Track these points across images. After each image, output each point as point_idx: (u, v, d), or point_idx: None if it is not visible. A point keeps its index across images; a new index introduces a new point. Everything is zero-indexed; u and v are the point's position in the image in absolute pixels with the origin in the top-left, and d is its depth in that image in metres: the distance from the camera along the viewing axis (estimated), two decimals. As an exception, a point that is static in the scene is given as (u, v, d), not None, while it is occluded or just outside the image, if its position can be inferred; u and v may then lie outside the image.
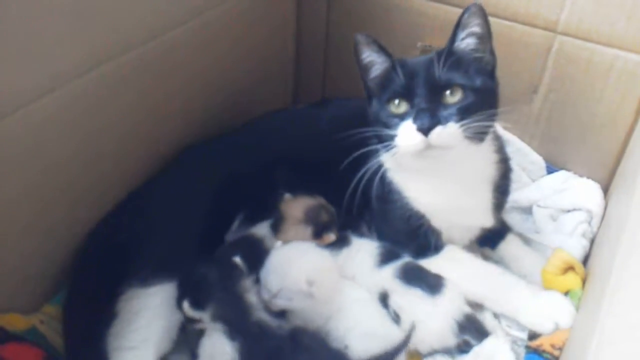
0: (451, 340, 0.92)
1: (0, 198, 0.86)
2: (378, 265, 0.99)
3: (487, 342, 0.92)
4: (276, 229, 1.02)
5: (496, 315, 0.99)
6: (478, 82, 0.90)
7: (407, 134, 0.88)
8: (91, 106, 0.94)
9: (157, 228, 0.98)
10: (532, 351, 0.89)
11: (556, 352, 0.87)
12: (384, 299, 0.96)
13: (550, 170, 1.26)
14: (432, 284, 0.94)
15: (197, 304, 0.88)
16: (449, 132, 0.86)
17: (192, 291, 0.89)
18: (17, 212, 0.89)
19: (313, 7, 1.38)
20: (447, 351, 0.93)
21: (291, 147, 1.10)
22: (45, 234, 0.95)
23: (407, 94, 0.90)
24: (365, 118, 1.09)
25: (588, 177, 1.22)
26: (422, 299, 0.93)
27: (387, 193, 1.01)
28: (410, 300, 0.93)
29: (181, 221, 0.99)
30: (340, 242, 1.02)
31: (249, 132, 1.16)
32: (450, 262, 1.00)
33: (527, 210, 1.22)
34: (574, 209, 1.16)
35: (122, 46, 0.96)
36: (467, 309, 0.94)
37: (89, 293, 0.95)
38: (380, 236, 1.05)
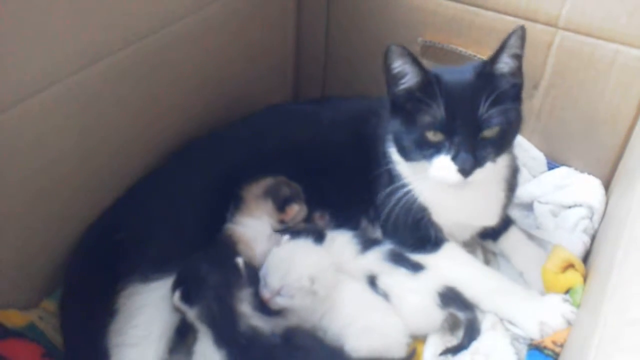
0: (437, 314, 0.95)
1: (0, 193, 0.86)
2: (361, 252, 1.00)
3: (486, 338, 0.92)
4: (236, 209, 1.02)
5: (497, 312, 0.98)
6: (513, 115, 0.90)
7: (444, 169, 0.88)
8: (90, 101, 0.93)
9: (156, 223, 0.98)
10: (534, 348, 0.89)
11: (557, 349, 0.87)
12: (372, 281, 0.98)
13: (551, 166, 1.25)
14: (414, 263, 0.99)
15: (187, 299, 0.87)
16: (486, 170, 0.88)
17: (185, 285, 0.88)
18: (15, 207, 0.89)
19: (313, 2, 1.37)
20: (440, 330, 0.96)
21: (291, 143, 1.10)
22: (44, 230, 0.95)
23: (445, 128, 0.88)
24: (365, 116, 1.09)
25: (589, 173, 1.21)
26: (407, 276, 0.97)
27: (395, 181, 1.01)
28: (397, 279, 0.97)
29: (181, 216, 0.99)
30: (318, 236, 1.02)
31: (248, 127, 1.16)
32: (448, 262, 1.00)
33: (528, 207, 1.22)
34: (575, 205, 1.15)
35: (122, 41, 0.95)
36: (449, 283, 0.97)
37: (87, 289, 0.95)
38: (384, 231, 1.05)
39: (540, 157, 1.25)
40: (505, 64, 0.90)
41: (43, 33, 0.83)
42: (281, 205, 1.02)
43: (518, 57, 0.90)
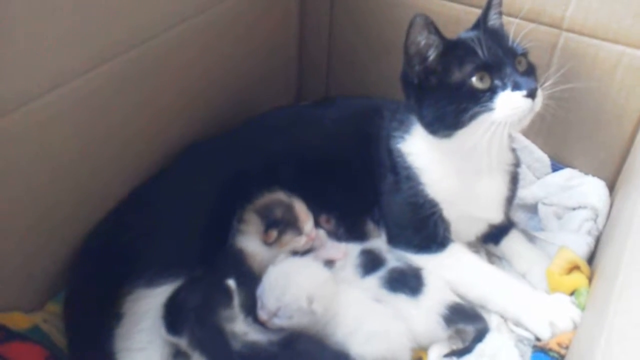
0: (442, 334, 0.93)
1: (4, 196, 0.86)
2: (362, 276, 0.99)
3: (491, 340, 0.91)
4: (239, 222, 1.01)
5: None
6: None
7: (512, 102, 0.88)
8: (94, 104, 0.93)
9: (161, 227, 0.98)
10: (539, 350, 0.89)
11: (563, 351, 0.87)
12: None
13: (556, 167, 1.25)
14: (413, 286, 0.96)
15: (173, 330, 0.85)
16: (541, 96, 0.91)
17: (169, 315, 0.86)
18: (20, 210, 0.89)
19: (316, 4, 1.37)
20: (442, 341, 0.94)
21: (295, 145, 1.10)
22: (49, 233, 0.95)
23: (491, 67, 0.90)
24: (370, 117, 1.09)
25: (594, 175, 1.21)
26: (407, 302, 0.94)
27: (402, 180, 1.01)
28: (397, 306, 0.94)
29: (185, 220, 0.98)
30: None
31: (252, 130, 1.16)
32: (453, 262, 1.00)
33: (532, 209, 1.22)
34: (580, 207, 1.15)
35: (125, 44, 0.95)
36: (450, 300, 0.95)
37: (92, 292, 0.94)
38: (388, 230, 1.05)
39: (544, 159, 1.25)
40: (495, 20, 0.99)
41: (47, 36, 0.83)
42: (266, 227, 1.00)
43: (500, 14, 1.00)
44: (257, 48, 1.27)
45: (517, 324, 0.96)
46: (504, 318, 0.97)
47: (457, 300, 0.96)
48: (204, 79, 1.15)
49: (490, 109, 0.89)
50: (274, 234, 0.99)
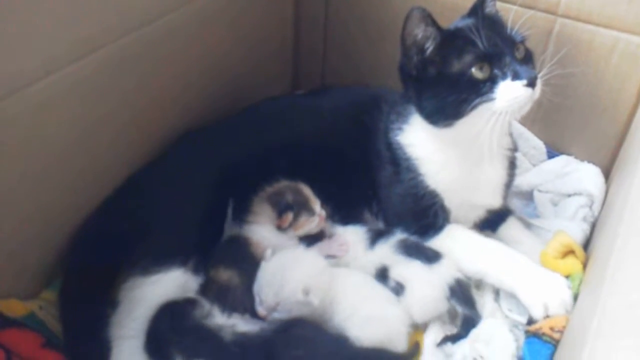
0: (444, 305, 0.95)
1: (-2, 183, 0.86)
2: (370, 246, 1.00)
3: (486, 324, 0.92)
4: (247, 212, 1.01)
5: (497, 299, 0.99)
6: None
7: (512, 91, 0.89)
8: (88, 90, 0.93)
9: (156, 216, 0.98)
10: (532, 335, 0.89)
11: (556, 335, 0.87)
12: (382, 273, 0.98)
13: (551, 154, 1.25)
14: (430, 255, 0.98)
15: (157, 356, 0.84)
16: (539, 84, 0.91)
17: (154, 353, 0.85)
18: (15, 197, 0.89)
19: (311, -8, 1.37)
20: (440, 319, 0.96)
21: (291, 134, 1.10)
22: (44, 220, 0.95)
23: (490, 57, 0.90)
24: (367, 107, 1.09)
25: (589, 162, 1.21)
26: (421, 268, 0.96)
27: (402, 171, 1.01)
28: (411, 271, 0.96)
29: (180, 208, 0.98)
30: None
31: (248, 118, 1.15)
32: (451, 239, 1.01)
33: (528, 196, 1.22)
34: (575, 194, 1.15)
35: (119, 30, 0.95)
36: (459, 276, 0.97)
37: (87, 280, 0.94)
38: (386, 221, 1.06)
39: (540, 146, 1.25)
40: (491, 7, 0.99)
41: (40, 22, 0.82)
42: (279, 212, 1.00)
43: (495, 1, 1.00)
44: (251, 34, 1.26)
45: (513, 296, 0.95)
46: (502, 300, 0.98)
47: (465, 280, 0.97)
48: (199, 65, 1.14)
49: (491, 99, 0.90)
50: (289, 216, 1.00)
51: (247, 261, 0.95)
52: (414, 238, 1.01)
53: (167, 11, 1.03)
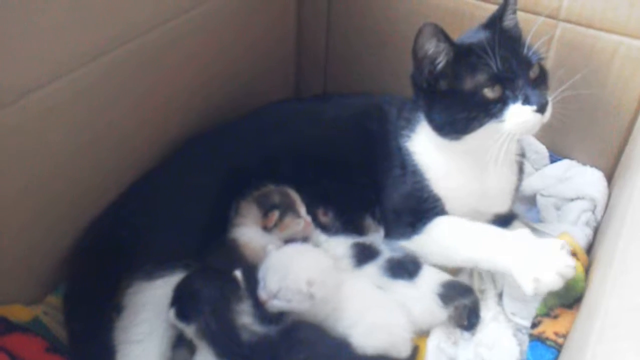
0: (441, 314, 0.95)
1: (3, 189, 0.86)
2: (357, 266, 0.99)
3: (489, 329, 0.92)
4: (235, 214, 1.02)
5: (500, 302, 0.98)
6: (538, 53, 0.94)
7: (521, 116, 0.89)
8: (92, 97, 0.94)
9: (160, 221, 0.98)
10: (535, 339, 0.89)
11: (560, 340, 0.87)
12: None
13: (554, 159, 1.25)
14: (410, 270, 0.97)
15: (183, 316, 0.85)
16: (550, 108, 0.91)
17: (180, 302, 0.86)
18: (20, 203, 0.89)
19: (314, -1, 1.37)
20: (444, 324, 0.96)
21: (294, 140, 1.10)
22: (49, 226, 0.95)
23: (503, 78, 0.90)
24: (370, 113, 1.10)
25: (592, 166, 1.21)
26: (406, 286, 0.96)
27: (408, 173, 1.02)
28: (398, 291, 0.96)
29: (184, 214, 0.99)
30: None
31: (252, 123, 1.16)
32: (438, 231, 0.99)
33: (531, 200, 1.22)
34: (578, 198, 1.15)
35: (123, 37, 0.96)
36: (443, 277, 0.97)
37: (92, 285, 0.95)
38: (385, 221, 1.05)
39: (542, 150, 1.25)
40: (512, 21, 0.98)
41: (44, 29, 0.83)
42: (266, 211, 1.01)
43: (515, 12, 0.99)
44: (255, 43, 1.27)
45: (508, 275, 0.92)
46: (505, 304, 0.97)
47: (450, 277, 0.98)
48: (203, 72, 1.15)
49: (500, 121, 0.90)
50: (275, 214, 1.00)
51: (236, 264, 0.94)
52: (405, 240, 1.01)
53: (172, 18, 1.03)
